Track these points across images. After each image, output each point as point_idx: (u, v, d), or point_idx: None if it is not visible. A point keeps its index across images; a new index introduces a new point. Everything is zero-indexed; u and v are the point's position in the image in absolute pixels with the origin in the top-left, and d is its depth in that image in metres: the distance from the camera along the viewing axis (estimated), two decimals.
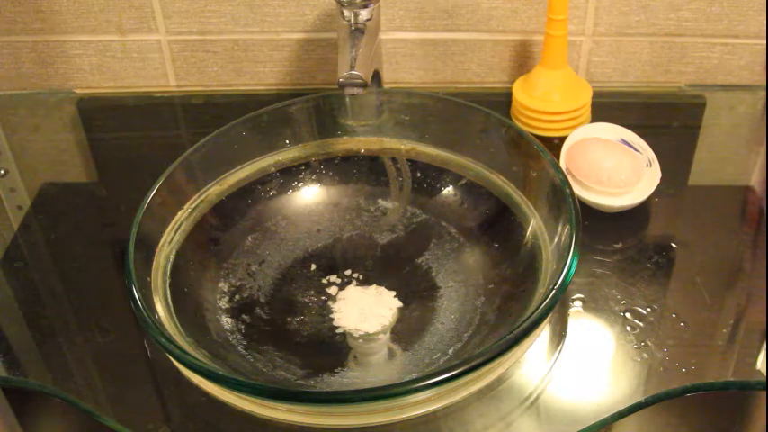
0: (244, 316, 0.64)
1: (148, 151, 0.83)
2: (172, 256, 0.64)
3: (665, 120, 0.84)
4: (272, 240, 0.70)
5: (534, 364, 0.60)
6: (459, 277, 0.66)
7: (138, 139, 0.85)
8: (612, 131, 0.76)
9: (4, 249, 0.72)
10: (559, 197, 0.63)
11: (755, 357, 0.60)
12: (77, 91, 0.90)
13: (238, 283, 0.66)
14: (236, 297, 0.65)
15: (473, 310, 0.63)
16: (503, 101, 0.84)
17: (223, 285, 0.66)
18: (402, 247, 0.70)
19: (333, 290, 0.66)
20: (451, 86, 0.87)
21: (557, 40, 0.77)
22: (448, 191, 0.72)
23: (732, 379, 0.58)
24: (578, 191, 0.70)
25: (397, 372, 0.60)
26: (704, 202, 0.74)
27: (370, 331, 0.63)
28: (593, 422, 0.56)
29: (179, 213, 0.67)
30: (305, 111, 0.74)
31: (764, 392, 0.62)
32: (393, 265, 0.68)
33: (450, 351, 0.60)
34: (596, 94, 0.81)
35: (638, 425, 0.66)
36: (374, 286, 0.66)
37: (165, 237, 0.65)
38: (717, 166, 0.79)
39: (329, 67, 0.87)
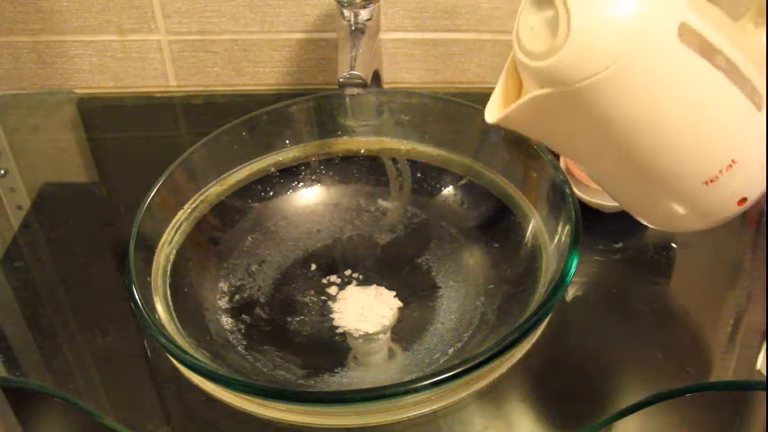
0: (244, 316, 0.64)
1: (148, 151, 0.83)
2: (172, 256, 0.64)
3: None
4: (272, 240, 0.70)
5: (534, 364, 0.60)
6: (460, 277, 0.66)
7: (138, 139, 0.85)
8: None
9: (4, 249, 0.72)
10: (559, 197, 0.62)
11: (755, 357, 0.60)
12: (77, 91, 0.90)
13: (238, 283, 0.66)
14: (236, 297, 0.65)
15: (473, 310, 0.63)
16: None
17: (223, 285, 0.66)
18: (402, 247, 0.70)
19: (333, 290, 0.66)
20: (451, 86, 0.87)
21: None
22: (448, 191, 0.72)
23: (732, 379, 0.58)
24: (578, 191, 0.70)
25: (397, 372, 0.60)
26: None
27: (370, 331, 0.63)
28: (593, 422, 0.56)
29: (179, 213, 0.67)
30: (305, 111, 0.74)
31: (764, 392, 0.62)
32: (393, 265, 0.68)
33: (450, 351, 0.60)
34: None
35: (638, 425, 0.65)
36: (374, 286, 0.66)
37: (165, 237, 0.65)
38: None
39: (329, 67, 0.87)
